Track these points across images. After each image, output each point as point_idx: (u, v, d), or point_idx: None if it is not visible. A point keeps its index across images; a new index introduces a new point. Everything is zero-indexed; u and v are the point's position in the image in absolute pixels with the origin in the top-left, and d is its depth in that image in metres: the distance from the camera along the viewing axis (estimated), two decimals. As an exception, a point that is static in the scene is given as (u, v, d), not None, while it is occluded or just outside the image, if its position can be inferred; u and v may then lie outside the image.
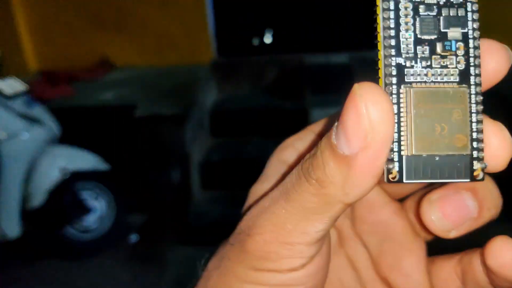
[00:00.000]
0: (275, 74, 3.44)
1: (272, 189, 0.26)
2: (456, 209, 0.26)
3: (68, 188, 2.37)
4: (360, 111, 0.20)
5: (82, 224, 2.45)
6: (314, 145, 0.26)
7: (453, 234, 0.27)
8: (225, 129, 3.20)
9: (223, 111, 3.19)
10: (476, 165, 0.21)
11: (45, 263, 2.43)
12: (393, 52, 0.21)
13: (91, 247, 2.48)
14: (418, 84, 0.21)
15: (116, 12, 3.38)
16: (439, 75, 0.21)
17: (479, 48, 0.21)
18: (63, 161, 2.39)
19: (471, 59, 0.21)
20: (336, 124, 0.21)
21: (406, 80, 0.21)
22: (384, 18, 0.21)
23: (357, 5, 3.39)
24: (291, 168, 0.28)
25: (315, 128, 0.32)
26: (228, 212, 2.65)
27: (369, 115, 0.20)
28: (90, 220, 2.48)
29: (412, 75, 0.21)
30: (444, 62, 0.21)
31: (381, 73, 0.22)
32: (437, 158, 0.21)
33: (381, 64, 0.21)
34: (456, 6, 0.21)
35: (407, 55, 0.21)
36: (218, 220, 2.59)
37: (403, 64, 0.21)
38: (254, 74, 3.46)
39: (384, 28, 0.21)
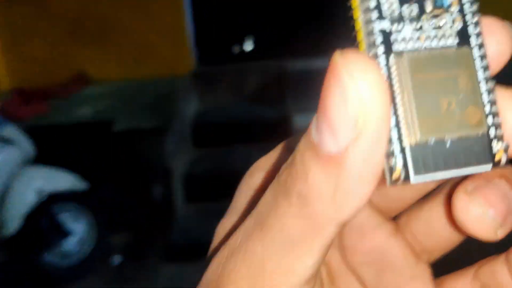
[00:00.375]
0: (256, 81, 3.39)
1: (242, 220, 0.20)
2: (502, 199, 0.19)
3: (45, 211, 2.28)
4: (346, 87, 0.14)
5: (61, 248, 2.35)
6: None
7: (500, 232, 0.20)
8: (208, 140, 3.14)
9: (205, 121, 3.13)
10: (496, 146, 0.16)
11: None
12: (374, 15, 0.16)
13: (72, 272, 2.37)
14: (411, 52, 0.16)
15: (93, 24, 3.29)
16: (434, 37, 0.16)
17: (477, 1, 0.17)
18: (39, 182, 2.30)
19: (468, 16, 0.17)
20: (315, 116, 0.16)
21: (394, 48, 0.16)
22: None
23: (338, 9, 3.37)
24: (263, 191, 0.20)
25: (291, 143, 0.24)
26: (215, 225, 2.57)
27: (358, 91, 0.14)
28: (70, 244, 2.37)
29: (401, 41, 0.16)
30: (437, 23, 0.16)
31: (362, 46, 0.16)
32: (448, 143, 0.16)
33: (360, 35, 0.16)
34: None
35: (392, 18, 0.16)
36: (204, 235, 2.51)
37: (389, 29, 0.16)
38: (235, 82, 3.41)
39: None
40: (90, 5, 3.28)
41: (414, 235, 0.25)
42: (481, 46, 0.17)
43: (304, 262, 0.17)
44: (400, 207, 0.26)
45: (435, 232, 0.24)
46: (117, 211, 2.71)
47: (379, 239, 0.25)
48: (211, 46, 3.52)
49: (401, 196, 0.25)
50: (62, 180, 2.38)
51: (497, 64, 0.17)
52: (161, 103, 2.82)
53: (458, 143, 0.16)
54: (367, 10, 0.15)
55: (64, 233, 2.34)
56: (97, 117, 2.76)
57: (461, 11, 0.16)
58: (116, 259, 2.54)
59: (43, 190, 2.28)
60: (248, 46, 3.51)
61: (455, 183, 0.21)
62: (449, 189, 0.22)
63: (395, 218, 0.26)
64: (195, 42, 3.45)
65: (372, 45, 0.16)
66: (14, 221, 2.20)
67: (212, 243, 0.26)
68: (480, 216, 0.19)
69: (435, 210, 0.24)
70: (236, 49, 3.53)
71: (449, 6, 0.16)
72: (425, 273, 0.25)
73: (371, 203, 0.25)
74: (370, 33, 0.16)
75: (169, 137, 2.60)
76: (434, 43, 0.16)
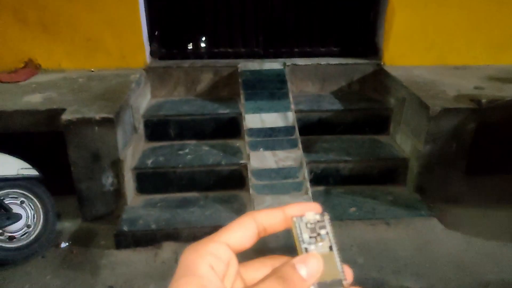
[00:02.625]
0: (210, 79, 3.46)
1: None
2: None
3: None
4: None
5: (7, 232, 2.32)
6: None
7: None
8: (159, 133, 3.17)
9: (157, 115, 3.16)
10: (344, 283, 0.39)
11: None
12: (301, 242, 0.40)
13: (17, 255, 2.35)
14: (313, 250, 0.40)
15: (43, 13, 3.23)
16: (320, 247, 0.40)
17: (333, 235, 0.40)
18: (-16, 168, 2.26)
19: (331, 240, 0.40)
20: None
21: (308, 249, 0.40)
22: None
23: (289, 14, 3.53)
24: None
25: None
26: (163, 216, 2.63)
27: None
28: (16, 228, 2.35)
29: (310, 248, 0.40)
30: (321, 243, 0.40)
31: (299, 250, 0.40)
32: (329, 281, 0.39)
33: (298, 246, 0.40)
34: (321, 221, 0.41)
35: (306, 243, 0.40)
36: (153, 224, 2.55)
37: (305, 246, 0.40)
38: (189, 78, 3.46)
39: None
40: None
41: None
42: (337, 251, 0.39)
43: None
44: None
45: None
46: (66, 198, 2.69)
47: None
48: (165, 42, 3.55)
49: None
50: (9, 166, 2.35)
51: None
52: (113, 95, 2.83)
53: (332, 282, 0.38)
54: (298, 240, 0.39)
55: (10, 217, 2.31)
56: (47, 105, 2.72)
57: (330, 240, 0.40)
58: (64, 244, 2.52)
59: (-13, 175, 2.23)
60: (202, 43, 3.58)
61: None
62: None
63: None
64: (149, 36, 3.47)
65: (302, 250, 0.38)
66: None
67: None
68: None
69: None
70: (190, 46, 3.59)
71: (325, 236, 0.40)
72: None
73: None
74: (299, 247, 0.39)
75: (120, 129, 2.62)
76: (320, 250, 0.39)
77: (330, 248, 0.39)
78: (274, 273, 0.35)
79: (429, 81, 3.18)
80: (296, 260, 0.36)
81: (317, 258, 0.36)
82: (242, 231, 0.39)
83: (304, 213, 0.41)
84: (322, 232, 0.40)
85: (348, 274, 0.38)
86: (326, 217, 0.41)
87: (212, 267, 0.36)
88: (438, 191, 2.91)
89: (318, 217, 0.41)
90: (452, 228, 2.66)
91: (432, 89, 3.01)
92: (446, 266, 2.37)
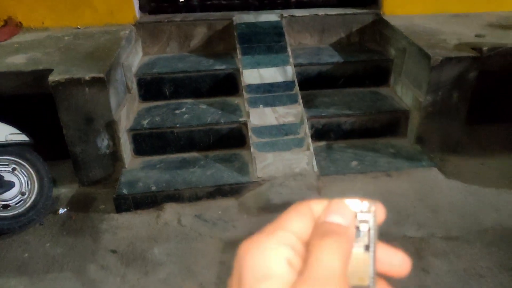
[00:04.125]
0: (204, 33, 3.31)
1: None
2: None
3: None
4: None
5: (0, 200, 2.24)
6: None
7: None
8: (154, 92, 3.05)
9: (150, 73, 3.03)
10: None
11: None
12: None
13: (13, 223, 2.27)
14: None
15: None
16: (358, 247, 0.35)
17: (376, 234, 0.35)
18: (-29, 134, 2.14)
19: (371, 239, 0.35)
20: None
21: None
22: None
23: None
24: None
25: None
26: (163, 177, 2.56)
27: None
28: (10, 196, 2.26)
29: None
30: (358, 241, 0.35)
31: None
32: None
33: None
34: (365, 212, 0.35)
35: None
36: (153, 186, 2.49)
37: None
38: (182, 33, 3.30)
39: None
40: None
41: None
42: (373, 253, 0.34)
43: None
44: None
45: None
46: (60, 163, 2.60)
47: None
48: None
49: None
50: (-2, 132, 2.23)
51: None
52: (101, 53, 2.68)
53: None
54: None
55: (2, 185, 2.22)
56: (32, 66, 2.56)
57: (369, 239, 0.35)
58: (62, 210, 2.46)
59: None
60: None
61: None
62: None
63: None
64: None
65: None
66: None
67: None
68: None
69: None
70: (181, -1, 3.40)
71: (364, 233, 0.35)
72: None
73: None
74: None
75: (112, 89, 2.50)
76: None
77: (367, 248, 0.35)
78: (316, 235, 0.33)
79: (430, 30, 3.08)
80: (323, 215, 0.34)
81: (336, 201, 0.35)
82: (302, 219, 0.35)
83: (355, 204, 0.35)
84: (362, 227, 0.35)
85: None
86: (373, 211, 0.35)
87: (290, 263, 0.31)
88: (439, 142, 2.90)
89: (364, 207, 0.35)
90: (452, 177, 2.66)
91: (433, 38, 2.92)
92: (447, 214, 2.39)
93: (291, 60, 2.99)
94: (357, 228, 0.35)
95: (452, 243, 2.19)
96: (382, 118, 2.98)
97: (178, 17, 3.30)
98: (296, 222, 0.35)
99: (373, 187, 2.60)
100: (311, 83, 3.12)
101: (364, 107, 2.97)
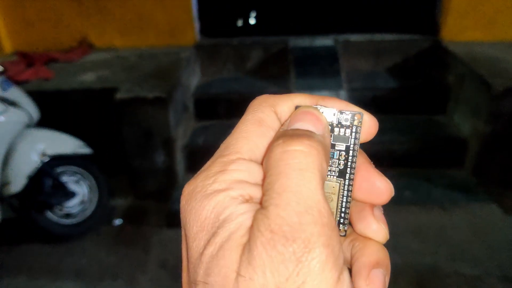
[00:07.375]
0: (259, 56, 3.41)
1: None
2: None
3: (49, 172, 2.31)
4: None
5: (63, 208, 2.41)
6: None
7: None
8: (209, 112, 3.17)
9: (207, 93, 3.15)
10: (341, 226, 0.30)
11: (26, 248, 2.38)
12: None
13: (73, 231, 2.44)
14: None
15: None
16: (328, 171, 0.29)
17: (356, 156, 0.29)
18: (42, 144, 2.32)
19: (349, 163, 0.29)
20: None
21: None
22: None
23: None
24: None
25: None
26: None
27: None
28: (72, 205, 2.43)
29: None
30: (331, 164, 0.30)
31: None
32: None
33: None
34: (344, 127, 0.29)
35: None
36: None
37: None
38: (238, 56, 3.42)
39: None
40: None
41: None
42: (350, 179, 0.30)
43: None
44: None
45: None
46: (118, 176, 2.76)
47: None
48: (215, 19, 3.51)
49: None
50: (65, 144, 2.41)
51: (367, 139, 0.31)
52: (164, 73, 2.84)
53: None
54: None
55: (66, 194, 2.39)
56: (100, 84, 2.76)
57: (346, 159, 0.30)
58: (117, 221, 2.60)
59: (46, 152, 2.30)
60: (252, 20, 3.51)
61: None
62: None
63: None
64: (198, 14, 3.44)
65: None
66: (18, 180, 2.22)
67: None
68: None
69: None
70: (239, 23, 3.53)
71: (339, 156, 0.30)
72: None
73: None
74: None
75: (171, 108, 2.63)
76: (328, 173, 0.29)
77: (341, 173, 0.28)
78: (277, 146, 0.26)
79: (490, 57, 2.97)
80: (288, 123, 0.29)
81: (306, 108, 0.29)
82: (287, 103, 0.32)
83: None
84: (339, 146, 0.29)
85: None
86: (356, 125, 0.29)
87: (276, 115, 0.31)
88: (498, 174, 2.76)
89: (344, 119, 0.29)
90: (512, 214, 2.53)
91: (494, 66, 2.82)
92: (505, 253, 2.26)
93: (344, 84, 3.00)
94: (333, 146, 0.28)
95: (509, 285, 2.08)
96: (438, 147, 2.90)
97: (235, 40, 3.42)
98: (282, 104, 0.31)
99: (427, 219, 2.53)
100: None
101: (419, 134, 2.91)
